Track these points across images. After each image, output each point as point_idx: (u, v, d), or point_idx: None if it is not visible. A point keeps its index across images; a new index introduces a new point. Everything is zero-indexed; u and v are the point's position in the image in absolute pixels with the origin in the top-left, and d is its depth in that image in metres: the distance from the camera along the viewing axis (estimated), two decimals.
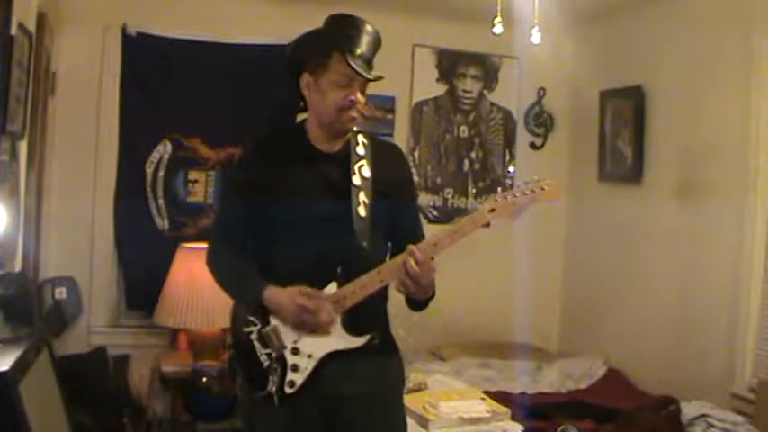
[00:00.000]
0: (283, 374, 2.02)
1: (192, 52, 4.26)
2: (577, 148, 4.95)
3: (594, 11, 4.47)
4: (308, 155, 2.10)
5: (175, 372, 3.86)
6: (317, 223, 2.04)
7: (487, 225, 1.98)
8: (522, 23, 3.25)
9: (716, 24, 3.77)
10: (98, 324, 4.20)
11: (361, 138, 2.15)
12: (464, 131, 4.92)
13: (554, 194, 1.95)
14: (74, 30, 4.04)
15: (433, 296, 2.05)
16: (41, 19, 3.16)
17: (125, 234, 4.24)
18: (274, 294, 2.00)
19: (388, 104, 4.71)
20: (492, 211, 1.95)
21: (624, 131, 4.41)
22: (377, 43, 2.06)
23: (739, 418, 3.19)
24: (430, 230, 2.08)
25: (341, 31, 2.01)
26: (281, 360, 2.02)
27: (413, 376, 3.24)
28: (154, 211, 4.28)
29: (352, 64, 1.96)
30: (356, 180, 2.08)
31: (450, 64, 4.86)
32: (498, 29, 3.02)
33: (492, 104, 4.96)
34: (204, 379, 3.76)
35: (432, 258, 1.95)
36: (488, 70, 4.93)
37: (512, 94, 4.97)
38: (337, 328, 2.01)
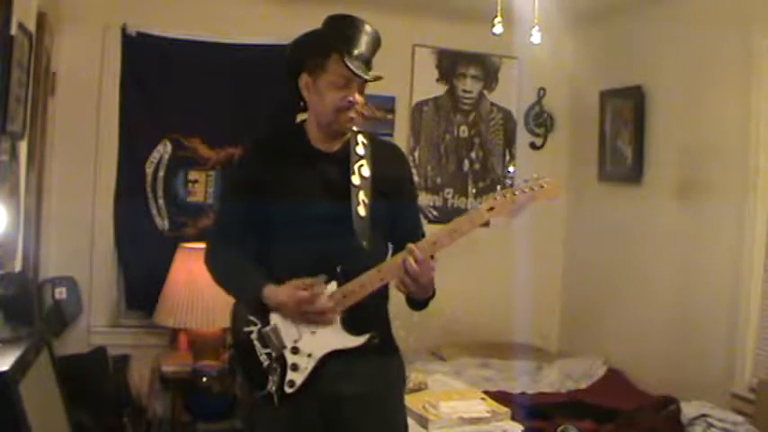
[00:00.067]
0: (283, 374, 2.01)
1: (192, 52, 4.26)
2: (577, 148, 4.95)
3: (594, 11, 4.47)
4: (308, 155, 2.10)
5: (175, 372, 3.86)
6: (316, 223, 2.03)
7: (487, 224, 1.97)
8: (522, 23, 3.25)
9: (716, 24, 3.77)
10: (98, 324, 4.20)
11: (360, 137, 2.15)
12: (464, 131, 4.92)
13: (554, 192, 1.94)
14: (74, 30, 4.04)
15: (433, 296, 2.05)
16: (41, 19, 3.16)
17: (125, 234, 4.24)
18: (273, 292, 2.00)
19: (388, 104, 4.70)
20: (491, 209, 1.93)
21: (624, 131, 4.41)
22: (376, 43, 2.05)
23: (739, 418, 3.19)
24: (430, 230, 2.07)
25: (339, 32, 2.00)
26: (281, 360, 2.02)
27: (413, 376, 3.24)
28: (154, 211, 4.28)
29: (349, 65, 1.96)
30: (356, 180, 2.07)
31: (450, 64, 4.86)
32: (498, 29, 3.02)
33: (492, 104, 4.96)
34: (204, 379, 3.76)
35: (432, 257, 1.95)
36: (488, 70, 4.93)
37: (512, 94, 4.96)
38: (337, 327, 2.01)
